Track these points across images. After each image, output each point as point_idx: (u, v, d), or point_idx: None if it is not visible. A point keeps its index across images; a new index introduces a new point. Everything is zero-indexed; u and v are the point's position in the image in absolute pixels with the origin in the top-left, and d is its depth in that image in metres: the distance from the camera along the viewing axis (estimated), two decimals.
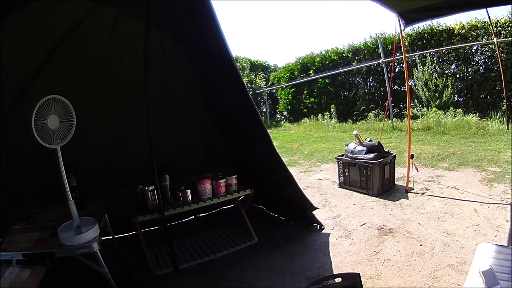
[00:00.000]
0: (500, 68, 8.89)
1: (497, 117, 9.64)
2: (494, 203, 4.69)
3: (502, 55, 9.39)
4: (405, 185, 5.99)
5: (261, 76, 21.64)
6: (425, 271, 3.56)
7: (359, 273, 0.61)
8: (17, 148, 4.08)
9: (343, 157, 6.44)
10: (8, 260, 2.96)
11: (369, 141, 6.38)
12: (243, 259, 4.42)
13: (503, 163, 6.10)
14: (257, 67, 23.09)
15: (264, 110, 21.20)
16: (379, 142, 6.11)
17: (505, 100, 9.05)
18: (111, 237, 4.45)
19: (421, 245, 4.11)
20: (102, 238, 3.40)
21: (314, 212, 5.06)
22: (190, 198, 4.33)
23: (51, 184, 3.53)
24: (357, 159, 6.07)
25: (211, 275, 4.14)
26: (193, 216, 6.00)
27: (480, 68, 11.06)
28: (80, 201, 3.39)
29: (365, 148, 6.08)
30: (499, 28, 10.28)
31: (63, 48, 3.80)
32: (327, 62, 16.37)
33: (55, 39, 3.74)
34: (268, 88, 20.68)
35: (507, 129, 8.48)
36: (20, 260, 2.99)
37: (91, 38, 3.95)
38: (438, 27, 12.10)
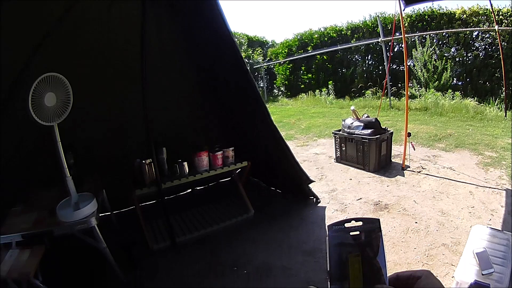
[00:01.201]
0: (501, 56, 8.78)
1: (495, 104, 9.51)
2: (490, 187, 4.65)
3: (503, 43, 9.28)
4: (401, 162, 5.95)
5: (258, 51, 21.32)
6: (419, 249, 3.56)
7: (379, 219, 0.60)
8: (15, 130, 3.96)
9: (340, 132, 6.38)
10: (8, 243, 2.93)
11: (366, 117, 6.28)
12: (239, 232, 4.41)
13: (500, 149, 6.05)
14: (254, 43, 22.65)
15: (261, 85, 20.95)
16: (376, 119, 6.01)
17: (504, 88, 8.96)
18: (109, 213, 4.41)
19: (416, 222, 4.10)
20: (101, 214, 3.37)
21: (311, 186, 5.04)
22: (187, 171, 4.27)
23: (49, 165, 3.48)
24: (354, 134, 6.00)
25: (208, 248, 4.12)
26: (190, 190, 5.93)
27: (480, 54, 10.89)
28: (78, 178, 3.33)
29: (362, 124, 6.00)
30: (500, 17, 10.10)
31: (60, 29, 3.68)
32: (326, 39, 16.15)
33: (50, 21, 3.61)
34: (265, 64, 20.40)
35: (505, 116, 8.41)
36: (20, 241, 2.96)
37: (87, 18, 3.82)
38: (439, 10, 11.87)
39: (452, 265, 3.21)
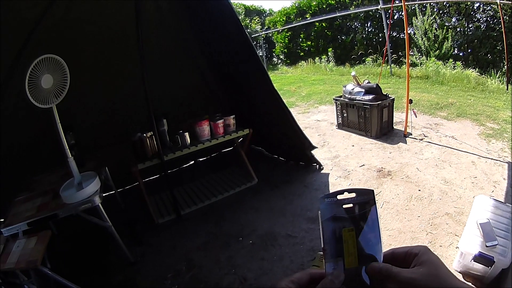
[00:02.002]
0: (503, 30, 8.63)
1: (497, 76, 9.25)
2: (492, 159, 4.59)
3: (504, 17, 9.10)
4: (403, 129, 5.86)
5: (256, 20, 21.05)
6: (423, 217, 3.54)
7: (373, 190, 0.56)
8: (10, 116, 3.89)
9: (341, 98, 6.26)
10: (15, 233, 2.89)
11: (367, 82, 6.15)
12: (243, 201, 4.41)
13: (502, 121, 5.92)
14: (252, 12, 22.29)
15: (260, 54, 20.75)
16: (377, 84, 5.87)
17: (506, 62, 8.82)
18: (113, 191, 4.36)
19: (419, 190, 4.07)
20: (104, 194, 3.34)
21: (313, 152, 4.99)
22: (189, 141, 4.22)
23: (50, 149, 3.47)
24: (355, 100, 5.89)
25: (212, 218, 4.13)
26: (192, 161, 5.91)
27: (482, 26, 10.62)
28: (80, 159, 3.28)
29: (363, 90, 5.87)
30: None
31: (53, 9, 3.54)
32: (324, 6, 15.70)
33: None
34: (264, 32, 20.07)
35: (507, 89, 8.29)
36: (26, 230, 2.93)
37: None
38: None
39: (456, 235, 3.19)
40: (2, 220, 3.09)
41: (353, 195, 0.66)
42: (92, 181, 3.14)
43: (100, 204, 3.10)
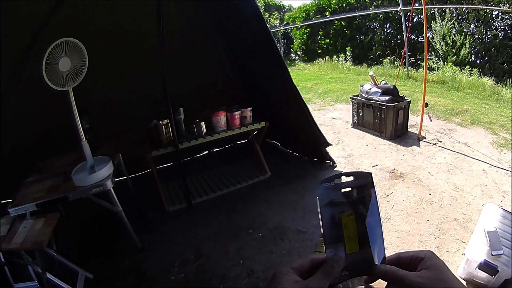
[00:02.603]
0: None
1: None
2: (503, 169, 4.54)
3: None
4: (417, 132, 5.82)
5: (275, 15, 20.97)
6: (432, 221, 3.54)
7: (370, 173, 0.57)
8: (26, 99, 3.96)
9: (358, 97, 6.25)
10: (22, 214, 2.91)
11: (385, 83, 6.11)
12: (255, 194, 4.44)
13: None
14: (271, 7, 22.18)
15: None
16: (394, 86, 5.83)
17: None
18: (125, 177, 4.40)
19: (430, 194, 4.07)
20: (116, 179, 3.35)
21: (327, 150, 4.99)
22: (205, 131, 4.24)
23: (63, 133, 3.52)
24: (372, 100, 5.86)
25: (223, 209, 4.16)
26: (207, 151, 5.95)
27: (500, 34, 10.46)
28: (93, 143, 3.31)
29: (380, 90, 5.83)
30: None
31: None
32: (344, 5, 15.58)
33: None
34: (282, 28, 19.95)
35: None
36: (35, 211, 2.94)
37: None
38: None
39: (462, 241, 3.20)
40: (10, 200, 3.10)
41: (350, 178, 0.67)
42: (105, 165, 3.17)
43: (112, 189, 3.12)
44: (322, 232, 0.65)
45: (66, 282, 2.91)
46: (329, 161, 5.03)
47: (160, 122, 3.97)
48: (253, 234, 3.65)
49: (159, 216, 4.13)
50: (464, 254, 2.84)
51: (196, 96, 5.02)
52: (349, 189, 0.66)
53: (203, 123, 4.21)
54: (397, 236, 3.38)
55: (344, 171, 3.68)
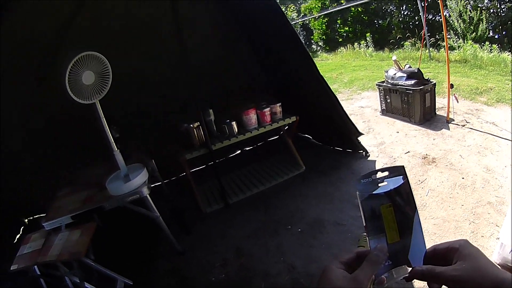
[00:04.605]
0: None
1: None
2: None
3: None
4: (445, 115, 5.62)
5: (291, 8, 20.83)
6: (466, 206, 3.44)
7: (403, 166, 0.60)
8: (50, 113, 3.99)
9: (384, 84, 6.08)
10: (57, 227, 2.91)
11: (409, 67, 5.91)
12: (291, 188, 4.39)
13: None
14: (286, 1, 22.08)
15: None
16: (418, 69, 5.63)
17: None
18: (160, 183, 4.45)
19: (463, 178, 3.92)
20: (152, 185, 3.34)
21: (359, 139, 4.91)
22: (236, 130, 4.20)
23: (91, 145, 3.54)
24: (398, 85, 5.69)
25: (261, 207, 4.13)
26: (239, 151, 5.91)
27: None
28: (124, 152, 3.27)
29: (405, 75, 5.65)
30: None
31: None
32: None
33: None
34: (300, 20, 19.72)
35: None
36: (69, 223, 2.94)
37: None
38: None
39: (497, 225, 3.08)
40: (44, 215, 3.12)
41: (386, 173, 0.71)
42: (139, 173, 3.16)
43: (148, 195, 3.12)
44: (364, 224, 0.70)
45: None
46: (361, 151, 4.92)
47: (191, 125, 3.95)
48: (292, 230, 3.61)
49: (197, 218, 4.15)
50: (498, 239, 2.74)
51: (224, 96, 4.98)
52: (385, 183, 0.70)
53: (234, 123, 4.18)
54: (434, 223, 3.28)
55: (377, 159, 3.63)
